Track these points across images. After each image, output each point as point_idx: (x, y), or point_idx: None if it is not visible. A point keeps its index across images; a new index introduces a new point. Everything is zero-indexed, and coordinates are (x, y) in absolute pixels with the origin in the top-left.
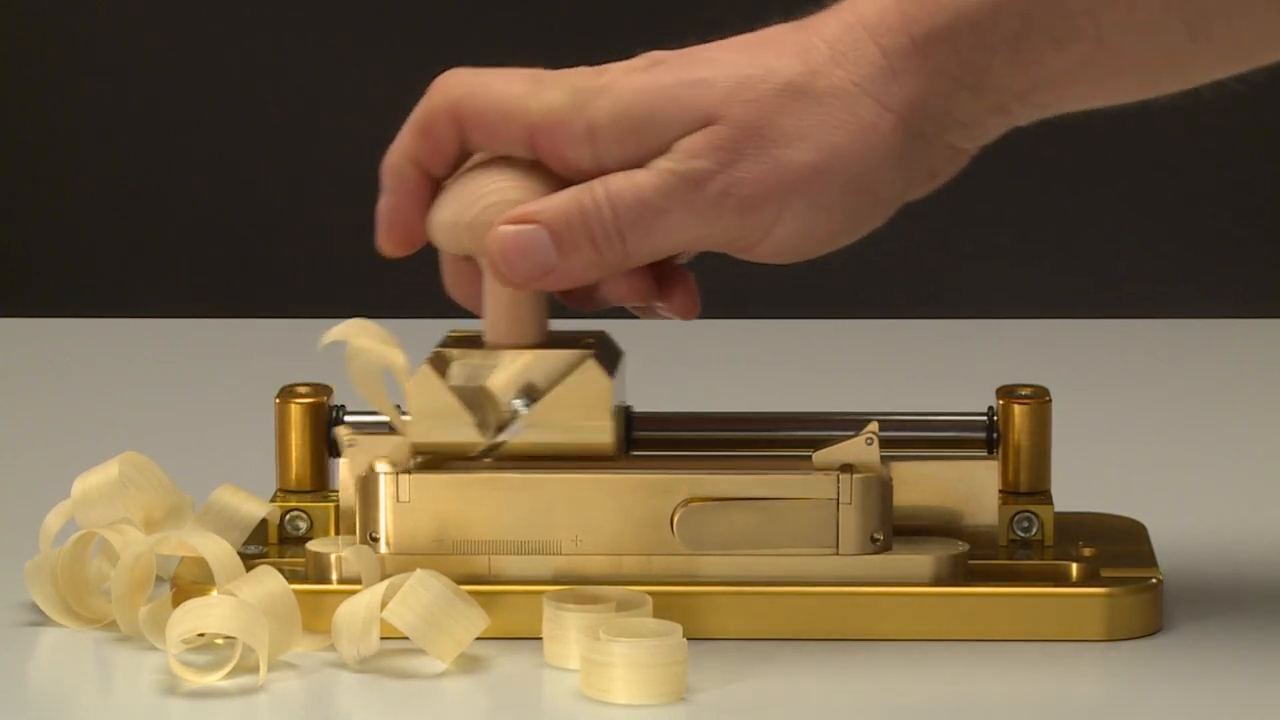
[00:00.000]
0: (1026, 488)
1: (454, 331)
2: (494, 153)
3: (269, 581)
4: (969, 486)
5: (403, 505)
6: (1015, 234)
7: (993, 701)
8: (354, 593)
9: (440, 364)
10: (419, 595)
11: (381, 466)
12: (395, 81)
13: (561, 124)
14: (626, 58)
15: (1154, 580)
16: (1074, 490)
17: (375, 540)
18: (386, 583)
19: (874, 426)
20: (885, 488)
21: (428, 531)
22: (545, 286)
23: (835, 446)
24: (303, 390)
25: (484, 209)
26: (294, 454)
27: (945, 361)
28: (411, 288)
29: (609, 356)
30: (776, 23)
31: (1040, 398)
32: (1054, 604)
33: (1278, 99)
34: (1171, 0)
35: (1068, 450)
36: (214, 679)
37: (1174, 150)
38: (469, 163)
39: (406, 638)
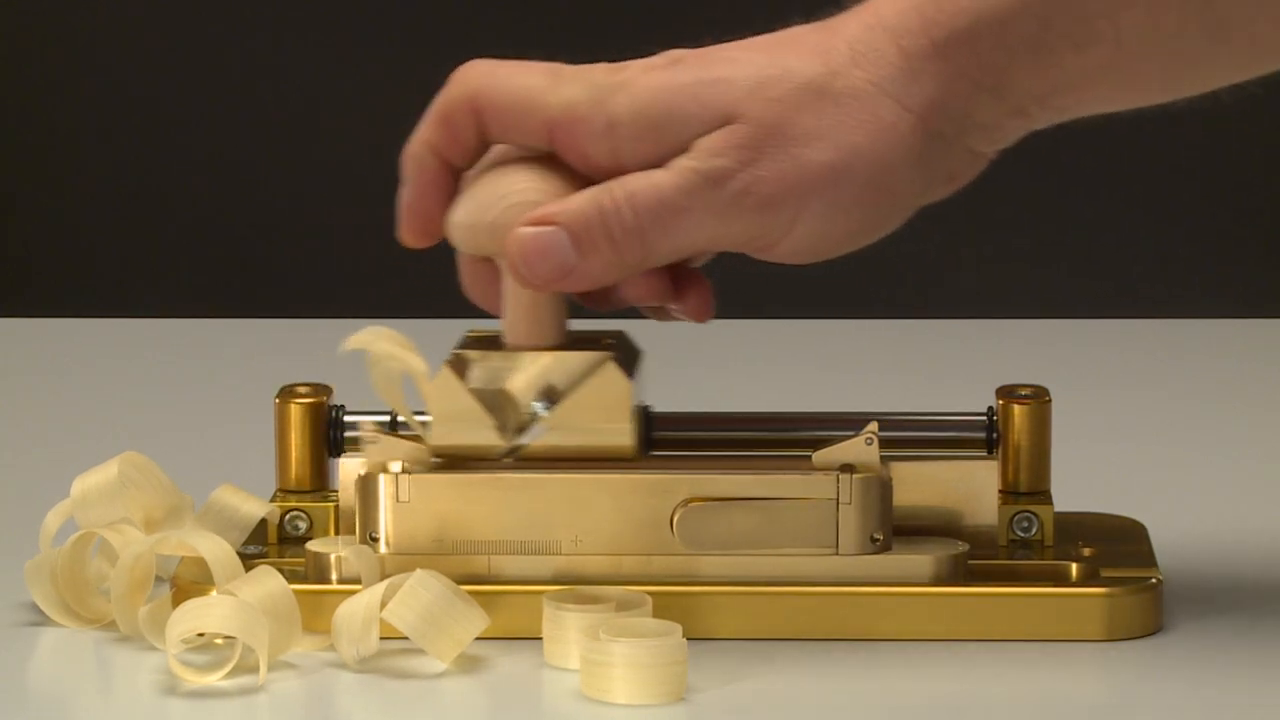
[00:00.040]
0: (1026, 488)
1: (472, 332)
2: (512, 145)
3: (269, 581)
4: (969, 486)
5: (403, 505)
6: (1015, 234)
7: (993, 701)
8: (354, 593)
9: (460, 366)
10: (419, 595)
11: (396, 466)
12: (395, 81)
13: (580, 119)
14: (627, 58)
15: (1154, 580)
16: (1074, 490)
17: (375, 540)
18: (386, 583)
19: (874, 426)
20: (885, 488)
21: (428, 531)
22: (565, 288)
23: (835, 446)
24: (303, 390)
25: (503, 210)
26: (294, 454)
27: (945, 361)
28: (411, 288)
29: (628, 357)
30: (796, 23)
31: (1040, 398)
32: (1054, 604)
33: (1278, 99)
34: (1190, 3)
35: (1068, 450)
36: (214, 679)
37: (1174, 150)
38: (487, 159)
39: (406, 638)
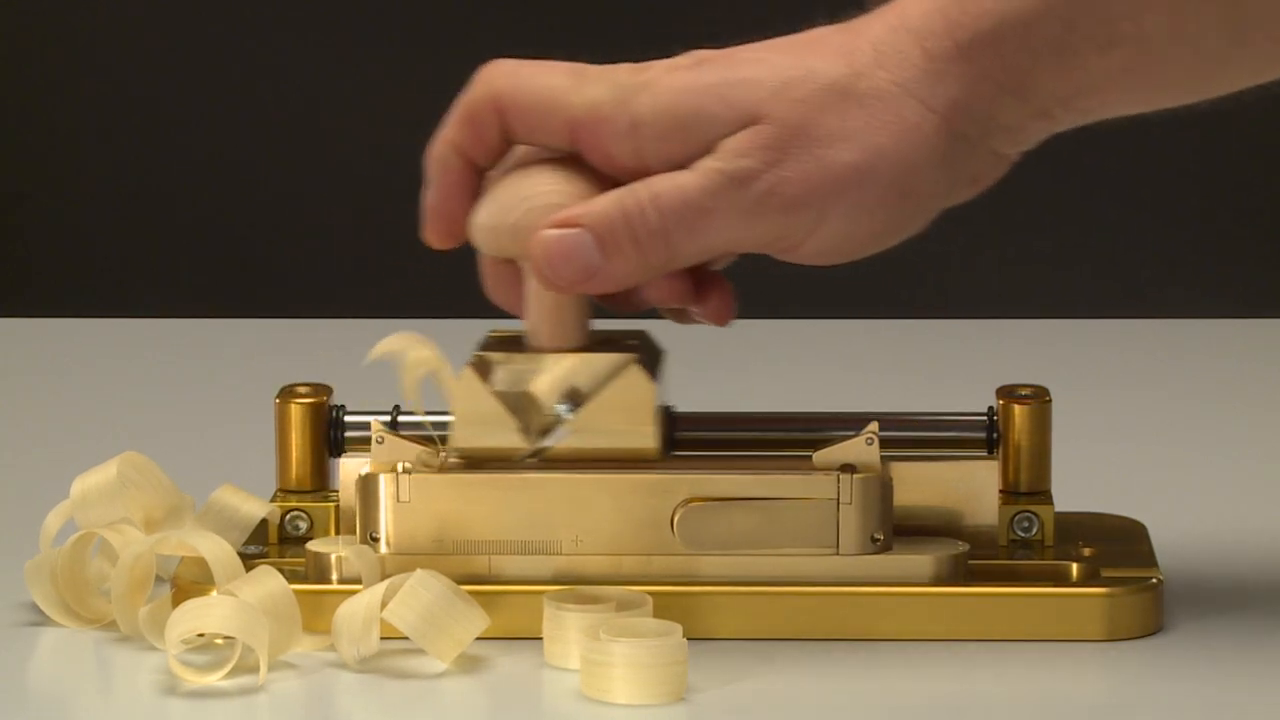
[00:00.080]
0: (1026, 488)
1: (494, 332)
2: (536, 145)
3: (269, 581)
4: (969, 486)
5: (403, 505)
6: (1015, 234)
7: (993, 701)
8: (354, 593)
9: (483, 368)
10: (419, 595)
11: (403, 467)
12: (395, 81)
13: (604, 119)
14: (628, 59)
15: (1154, 580)
16: (1074, 490)
17: (375, 540)
18: (386, 583)
19: (874, 426)
20: (885, 488)
21: (428, 531)
22: (589, 290)
23: (835, 446)
24: (303, 390)
25: (526, 212)
26: (294, 454)
27: (945, 361)
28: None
29: (651, 358)
30: (820, 24)
31: (1040, 398)
32: (1054, 604)
33: (1278, 99)
34: (1213, 5)
35: (1068, 450)
36: (214, 679)
37: (1174, 150)
38: (510, 160)
39: (406, 638)
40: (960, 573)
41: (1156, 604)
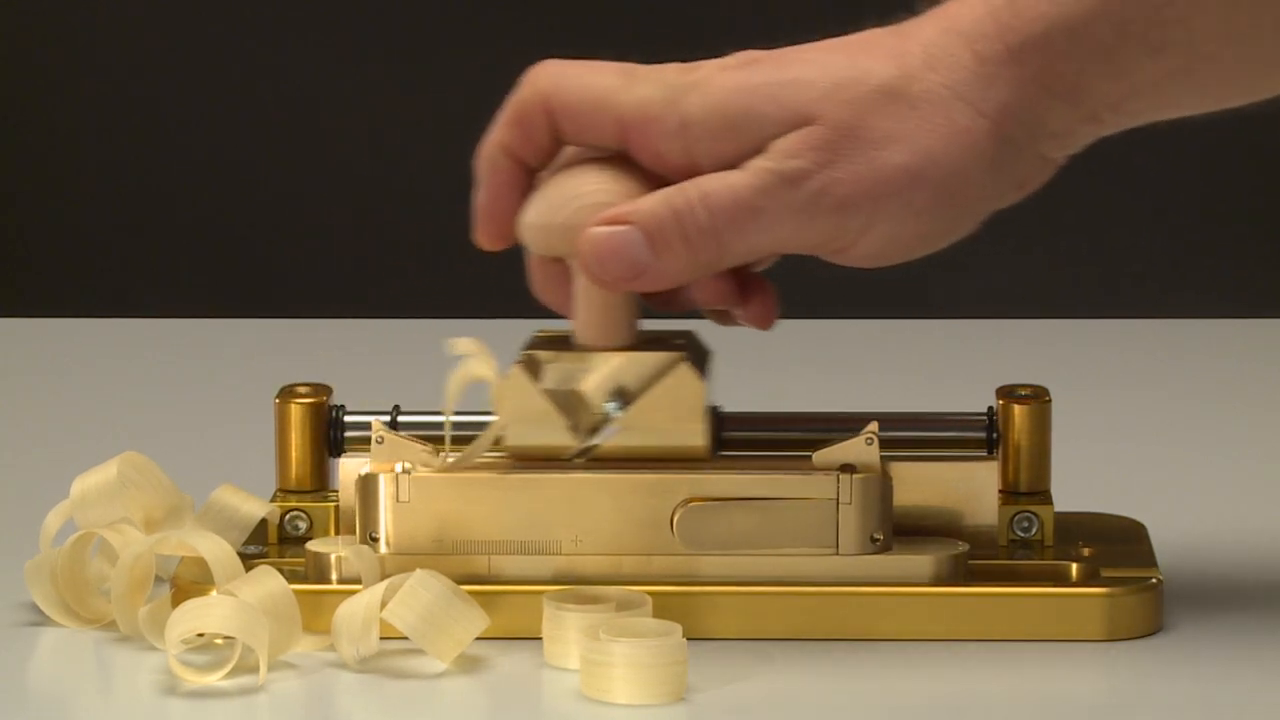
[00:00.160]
0: (1026, 488)
1: (540, 332)
2: (585, 145)
3: (269, 581)
4: (969, 486)
5: (403, 505)
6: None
7: (993, 701)
8: (354, 593)
9: (531, 366)
10: (419, 595)
11: (401, 466)
12: (395, 81)
13: (654, 118)
14: (627, 60)
15: (1154, 580)
16: (1074, 490)
17: (375, 540)
18: (386, 583)
19: (874, 426)
20: (885, 488)
21: (428, 531)
22: (638, 288)
23: (835, 446)
24: (303, 390)
25: (575, 210)
26: (294, 454)
27: (945, 361)
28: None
29: (699, 357)
30: (870, 26)
31: (1040, 398)
32: (1054, 604)
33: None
34: (1264, 5)
35: (1068, 450)
36: (214, 679)
37: (1174, 150)
38: (559, 160)
39: (406, 638)
40: (960, 573)
41: (1156, 604)
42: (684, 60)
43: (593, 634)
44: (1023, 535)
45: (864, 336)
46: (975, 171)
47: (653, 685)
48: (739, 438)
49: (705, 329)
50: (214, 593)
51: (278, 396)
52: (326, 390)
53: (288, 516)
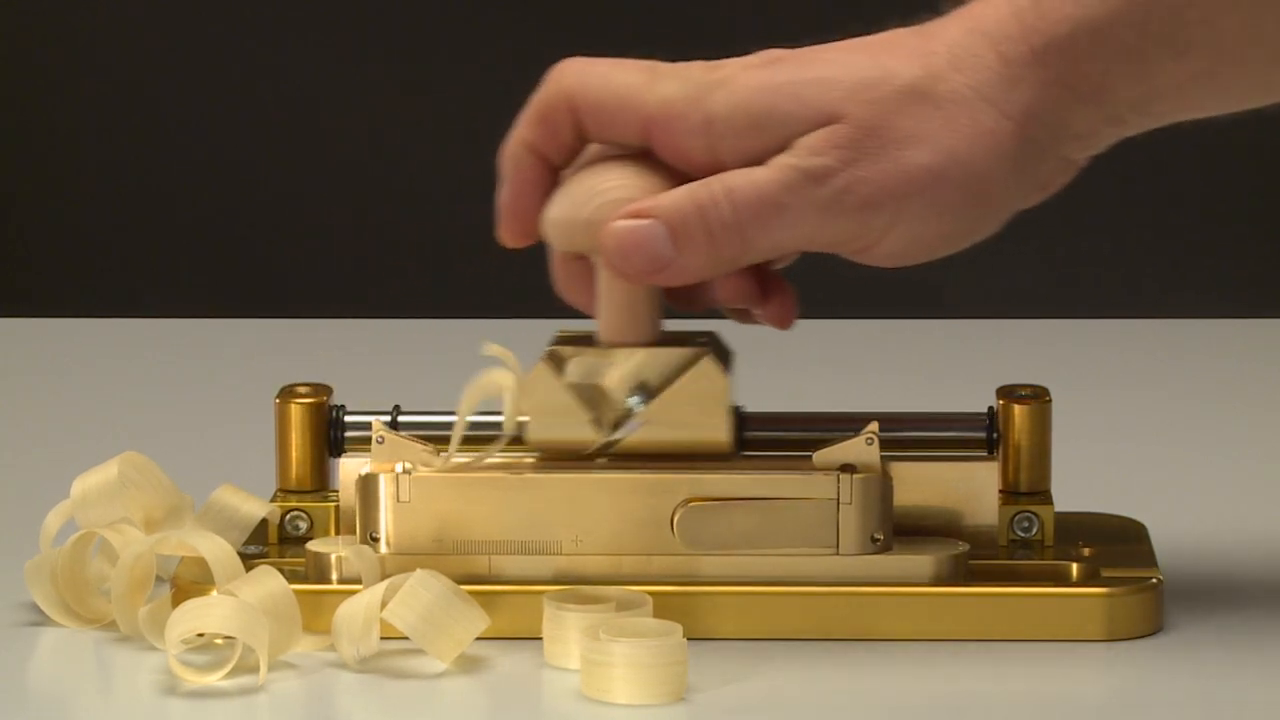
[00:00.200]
0: (1026, 488)
1: (563, 331)
2: (609, 143)
3: (269, 581)
4: (969, 486)
5: (403, 505)
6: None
7: (993, 701)
8: (354, 593)
9: (555, 361)
10: (419, 595)
11: (401, 466)
12: (395, 81)
13: (678, 116)
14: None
15: (1154, 580)
16: (1074, 490)
17: (375, 540)
18: (386, 583)
19: (874, 426)
20: (885, 488)
21: (428, 531)
22: (660, 282)
23: (835, 446)
24: (303, 390)
25: (599, 206)
26: (294, 454)
27: (945, 361)
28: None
29: (722, 357)
30: (895, 26)
31: (1040, 398)
32: (1054, 604)
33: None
34: None
35: (1068, 450)
36: (214, 679)
37: (1174, 150)
38: (583, 158)
39: (406, 638)
40: (960, 573)
41: (1156, 604)
42: (687, 59)
43: (593, 634)
44: (1023, 535)
45: (864, 336)
46: (999, 172)
47: (653, 685)
48: (762, 438)
49: (727, 329)
50: (214, 593)
51: (278, 396)
52: (326, 390)
53: (288, 516)
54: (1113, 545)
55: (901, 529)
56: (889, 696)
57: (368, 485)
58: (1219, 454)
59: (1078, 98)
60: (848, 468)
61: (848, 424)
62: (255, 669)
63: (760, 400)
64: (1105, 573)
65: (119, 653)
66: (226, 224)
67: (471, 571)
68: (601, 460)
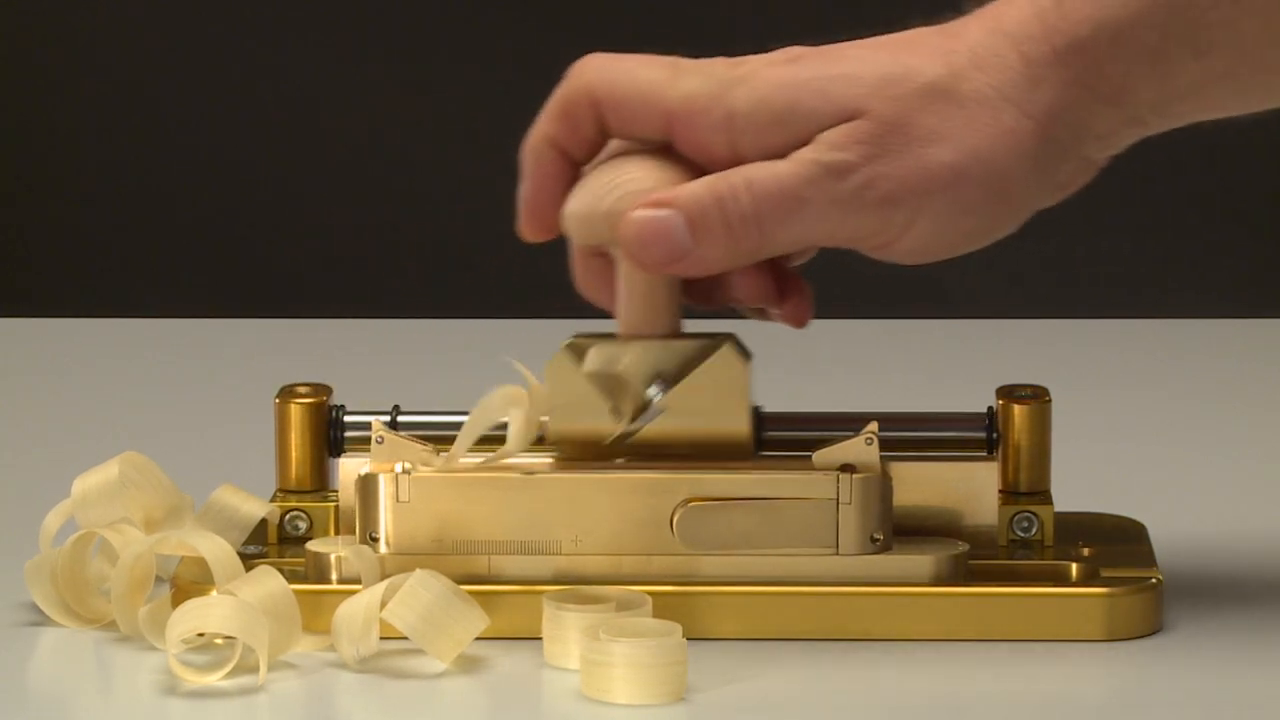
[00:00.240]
0: (1026, 488)
1: (580, 334)
2: (631, 138)
3: (269, 581)
4: (969, 486)
5: (403, 505)
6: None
7: (993, 701)
8: (354, 593)
9: (575, 352)
10: (419, 595)
11: (401, 466)
12: (395, 81)
13: (700, 111)
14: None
15: (1154, 580)
16: (1074, 490)
17: (375, 540)
18: (386, 583)
19: (874, 426)
20: (885, 488)
21: (428, 531)
22: (678, 272)
23: (835, 446)
24: (303, 390)
25: (619, 198)
26: (294, 454)
27: (945, 361)
28: (411, 288)
29: (742, 351)
30: (917, 25)
31: (1040, 398)
32: (1054, 604)
33: None
34: None
35: (1068, 450)
36: (214, 679)
37: (1174, 150)
38: (604, 154)
39: (406, 638)
40: (960, 573)
41: (1156, 604)
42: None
43: (593, 634)
44: (1023, 535)
45: (864, 336)
46: (1020, 171)
47: (653, 685)
48: (782, 438)
49: (743, 331)
50: (214, 593)
51: (278, 396)
52: (326, 390)
53: (288, 516)
54: (1112, 545)
55: (901, 529)
56: (889, 696)
57: (367, 485)
58: (1219, 454)
59: (1098, 98)
60: (847, 468)
61: (832, 424)
62: (255, 669)
63: (760, 400)
64: (1105, 573)
65: (119, 653)
66: (226, 224)
67: (471, 571)
68: (619, 461)
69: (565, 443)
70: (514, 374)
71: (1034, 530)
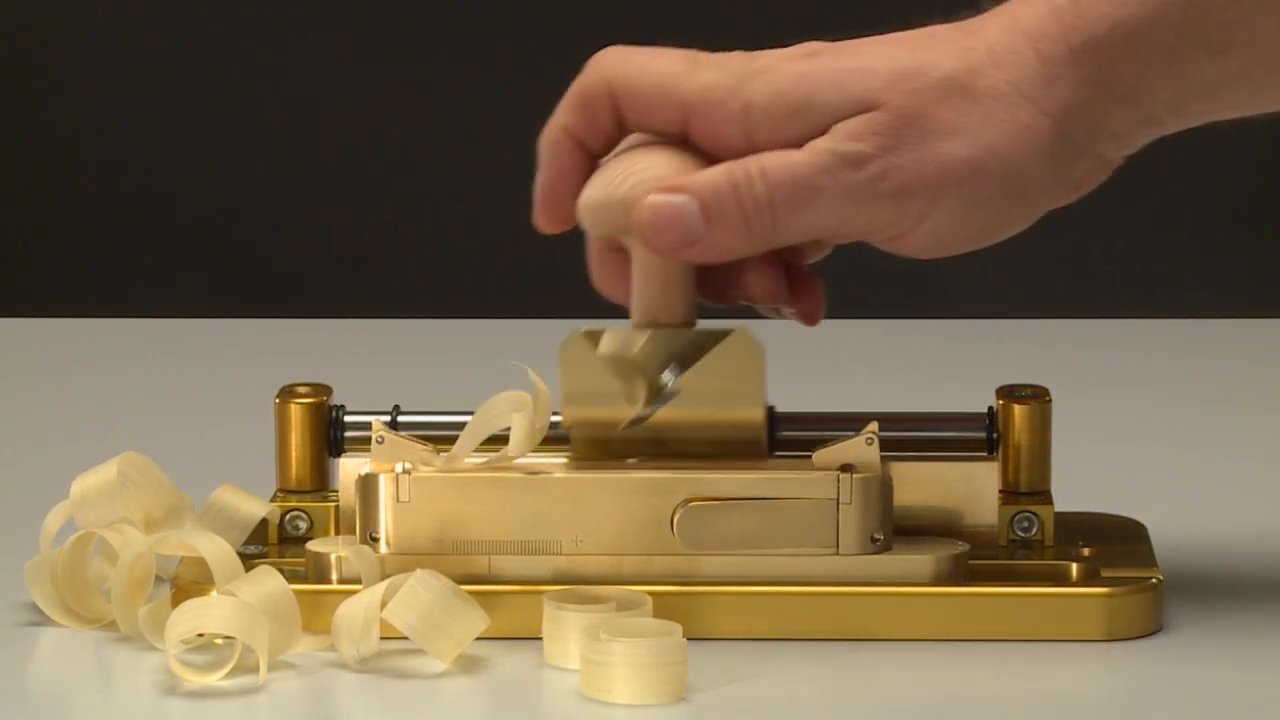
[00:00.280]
0: (1026, 488)
1: (585, 330)
2: (648, 130)
3: (269, 581)
4: (969, 486)
5: (403, 505)
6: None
7: (993, 701)
8: (354, 593)
9: (590, 339)
10: (419, 595)
11: (401, 466)
12: (395, 81)
13: (717, 103)
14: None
15: (1154, 580)
16: (1074, 490)
17: (375, 540)
18: (386, 583)
19: (874, 426)
20: (885, 488)
21: (428, 531)
22: (691, 258)
23: (835, 446)
24: (303, 390)
25: (634, 185)
26: (294, 454)
27: (945, 361)
28: (411, 288)
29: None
30: (935, 22)
31: (1040, 398)
32: (1054, 604)
33: None
34: None
35: (1068, 450)
36: (214, 679)
37: (1174, 149)
38: (620, 147)
39: (406, 638)
40: (960, 573)
41: (1156, 604)
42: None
43: (593, 634)
44: (1023, 535)
45: (864, 336)
46: (1035, 167)
47: (653, 685)
48: (794, 437)
49: (753, 328)
50: (214, 593)
51: (278, 396)
52: (326, 390)
53: (288, 516)
54: (1113, 545)
55: (901, 529)
56: (889, 696)
57: (367, 485)
58: (1219, 454)
59: (1114, 96)
60: (847, 468)
61: (832, 424)
62: (255, 669)
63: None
64: (1105, 573)
65: (119, 653)
66: (226, 224)
67: (471, 571)
68: (630, 461)
69: (579, 427)
70: (515, 376)
71: (1034, 530)
